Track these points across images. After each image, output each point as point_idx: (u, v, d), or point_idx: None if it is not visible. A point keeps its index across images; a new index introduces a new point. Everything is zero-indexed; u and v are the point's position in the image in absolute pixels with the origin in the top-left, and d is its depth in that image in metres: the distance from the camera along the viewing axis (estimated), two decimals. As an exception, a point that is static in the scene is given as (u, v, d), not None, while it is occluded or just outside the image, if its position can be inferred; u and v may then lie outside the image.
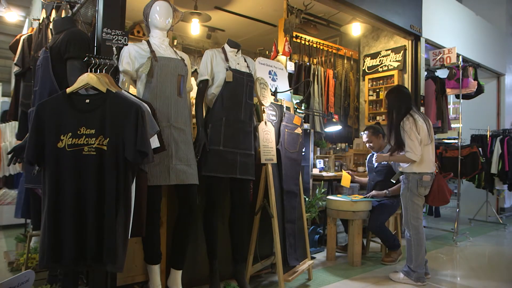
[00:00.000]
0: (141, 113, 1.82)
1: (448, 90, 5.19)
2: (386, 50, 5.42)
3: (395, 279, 3.06)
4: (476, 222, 5.93)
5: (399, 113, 3.06)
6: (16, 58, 3.27)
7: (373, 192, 3.78)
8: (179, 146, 2.30)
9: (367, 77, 5.64)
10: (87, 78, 1.86)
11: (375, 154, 3.95)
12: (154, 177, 2.20)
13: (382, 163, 3.74)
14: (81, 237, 1.76)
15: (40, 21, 3.25)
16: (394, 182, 3.54)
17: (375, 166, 3.88)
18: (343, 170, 4.25)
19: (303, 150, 3.44)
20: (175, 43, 5.46)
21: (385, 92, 5.36)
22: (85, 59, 2.17)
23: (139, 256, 2.43)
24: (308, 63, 4.96)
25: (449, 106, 6.24)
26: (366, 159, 4.17)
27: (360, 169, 4.70)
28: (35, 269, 2.15)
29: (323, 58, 5.38)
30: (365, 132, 3.99)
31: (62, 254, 1.74)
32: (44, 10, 3.35)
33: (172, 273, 2.40)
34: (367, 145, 3.95)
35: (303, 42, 5.08)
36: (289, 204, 2.92)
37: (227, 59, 2.65)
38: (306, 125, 3.93)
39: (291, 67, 4.33)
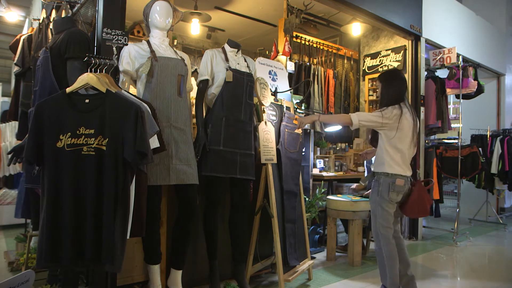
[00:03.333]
0: (141, 113, 1.81)
1: (448, 90, 5.19)
2: (386, 50, 5.42)
3: None
4: (476, 222, 5.93)
5: (387, 103, 2.62)
6: (16, 58, 3.27)
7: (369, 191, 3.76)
8: (179, 146, 2.30)
9: (367, 77, 5.64)
10: (87, 78, 1.86)
11: None
12: (154, 177, 2.20)
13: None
14: (79, 237, 1.75)
15: (40, 21, 3.25)
16: (363, 184, 3.33)
17: (374, 166, 3.87)
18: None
19: (303, 150, 3.44)
20: (175, 43, 5.45)
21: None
22: (85, 59, 2.17)
23: (139, 256, 2.43)
24: (308, 63, 4.96)
25: (449, 106, 6.23)
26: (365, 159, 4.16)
27: (360, 169, 4.70)
28: (35, 269, 2.14)
29: (323, 58, 5.38)
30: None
31: (60, 254, 1.74)
32: (44, 10, 3.35)
33: (172, 273, 2.40)
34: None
35: (303, 42, 5.08)
36: (289, 204, 2.92)
37: (227, 59, 2.65)
38: (306, 125, 3.93)
39: (291, 67, 4.33)
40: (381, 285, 2.69)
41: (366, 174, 4.06)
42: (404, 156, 2.60)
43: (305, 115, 3.94)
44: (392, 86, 2.66)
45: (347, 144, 5.16)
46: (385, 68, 5.39)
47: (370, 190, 3.70)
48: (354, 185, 3.84)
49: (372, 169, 2.73)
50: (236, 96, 2.60)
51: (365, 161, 4.12)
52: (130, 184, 1.85)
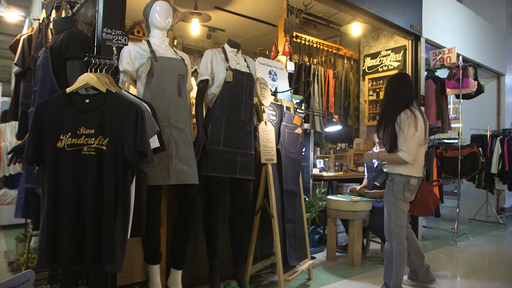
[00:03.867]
0: (141, 113, 1.81)
1: (448, 90, 5.19)
2: (386, 50, 5.42)
3: None
4: (476, 222, 5.93)
5: (397, 106, 2.65)
6: (16, 58, 3.27)
7: (372, 191, 3.77)
8: (179, 146, 2.30)
9: (367, 77, 5.64)
10: (87, 78, 1.86)
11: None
12: (154, 177, 2.20)
13: (382, 162, 3.71)
14: (79, 237, 1.76)
15: (40, 21, 3.25)
16: (379, 185, 3.34)
17: (375, 166, 3.88)
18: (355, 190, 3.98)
19: (303, 150, 3.44)
20: (175, 43, 5.46)
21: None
22: (85, 59, 2.17)
23: (139, 256, 2.43)
24: (308, 63, 4.96)
25: (449, 106, 6.23)
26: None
27: (360, 169, 4.70)
28: (35, 269, 2.15)
29: (323, 58, 5.38)
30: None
31: (61, 253, 1.74)
32: (44, 10, 3.35)
33: (172, 273, 2.40)
34: (377, 140, 3.88)
35: (303, 42, 5.08)
36: (289, 204, 2.92)
37: (227, 59, 2.65)
38: (306, 125, 3.93)
39: (291, 67, 4.33)
40: (383, 283, 2.72)
41: (366, 173, 4.06)
42: (418, 157, 2.65)
43: (305, 115, 3.95)
44: (402, 92, 2.69)
45: (347, 144, 5.16)
46: (385, 68, 5.40)
47: (373, 190, 3.72)
48: (358, 187, 3.84)
49: (385, 170, 2.79)
50: (236, 96, 2.60)
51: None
52: (130, 184, 1.85)
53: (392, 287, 2.62)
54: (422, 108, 4.90)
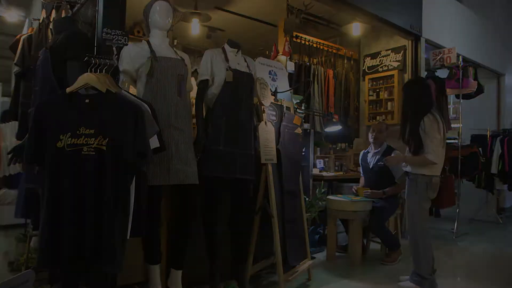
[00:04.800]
0: (141, 113, 1.82)
1: (448, 90, 5.19)
2: (386, 50, 5.42)
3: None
4: (476, 222, 5.93)
5: (420, 111, 2.78)
6: (16, 58, 3.28)
7: (371, 191, 3.76)
8: (179, 146, 2.30)
9: (367, 77, 5.64)
10: (87, 78, 1.87)
11: (369, 153, 3.94)
12: (154, 177, 2.20)
13: (378, 163, 3.71)
14: (79, 237, 1.76)
15: (40, 21, 3.25)
16: (400, 183, 3.46)
17: (370, 166, 3.87)
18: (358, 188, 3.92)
19: (303, 150, 3.44)
20: (175, 43, 5.45)
21: (385, 91, 5.38)
22: (85, 59, 2.17)
23: (139, 256, 2.43)
24: (308, 63, 4.97)
25: (449, 106, 6.23)
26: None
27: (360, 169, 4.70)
28: (35, 269, 2.14)
29: (323, 58, 5.38)
30: (383, 120, 3.94)
31: (60, 254, 1.74)
32: (44, 10, 3.35)
33: (172, 273, 2.41)
34: (373, 134, 3.87)
35: (303, 42, 5.08)
36: (289, 204, 2.92)
37: (227, 59, 2.65)
38: (306, 125, 3.93)
39: (291, 67, 4.33)
40: (414, 273, 2.86)
41: (362, 173, 4.06)
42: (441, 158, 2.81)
43: (305, 115, 3.94)
44: (423, 96, 2.83)
45: (347, 144, 5.16)
46: (385, 68, 5.39)
47: (371, 191, 3.71)
48: (369, 192, 3.79)
49: (407, 169, 2.90)
50: (236, 96, 2.60)
51: (360, 160, 4.11)
52: (130, 184, 1.85)
53: (426, 275, 2.77)
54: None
